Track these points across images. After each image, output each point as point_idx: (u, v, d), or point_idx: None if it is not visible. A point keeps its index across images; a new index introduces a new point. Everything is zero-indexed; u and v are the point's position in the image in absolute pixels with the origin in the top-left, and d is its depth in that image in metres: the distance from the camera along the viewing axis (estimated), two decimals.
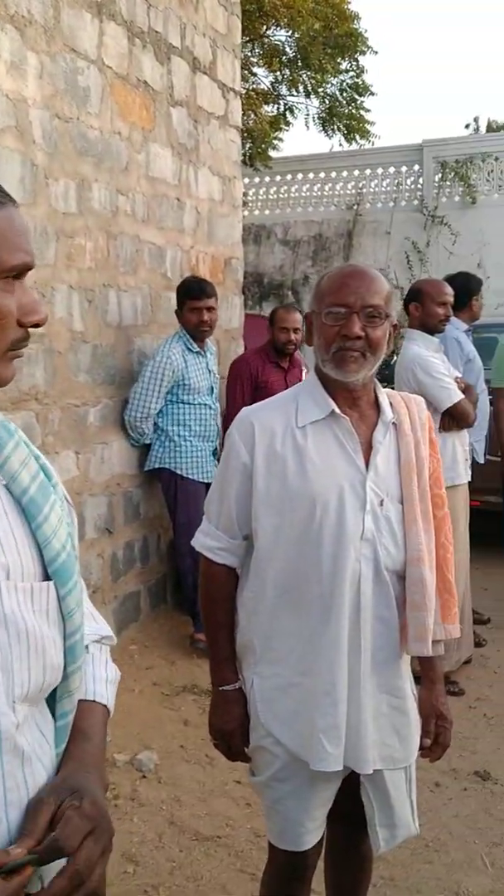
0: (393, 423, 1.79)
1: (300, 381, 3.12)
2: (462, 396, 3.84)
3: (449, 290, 3.92)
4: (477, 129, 25.70)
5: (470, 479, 4.11)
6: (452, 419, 3.87)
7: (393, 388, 2.20)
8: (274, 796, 1.82)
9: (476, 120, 26.48)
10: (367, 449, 1.75)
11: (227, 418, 4.36)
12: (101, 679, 1.22)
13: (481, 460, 4.67)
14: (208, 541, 1.86)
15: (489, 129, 25.34)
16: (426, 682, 1.90)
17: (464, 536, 4.07)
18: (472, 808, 3.06)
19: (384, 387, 1.89)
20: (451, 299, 3.91)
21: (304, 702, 1.73)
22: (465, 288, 4.58)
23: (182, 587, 4.58)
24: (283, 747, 1.77)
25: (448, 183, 12.20)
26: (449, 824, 2.95)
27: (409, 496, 1.76)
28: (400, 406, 1.83)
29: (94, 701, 1.19)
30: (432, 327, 3.89)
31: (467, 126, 26.32)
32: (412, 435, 1.80)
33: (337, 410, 1.73)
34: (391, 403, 1.82)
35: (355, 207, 12.81)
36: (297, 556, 1.72)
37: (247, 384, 4.72)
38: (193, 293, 4.27)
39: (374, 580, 1.72)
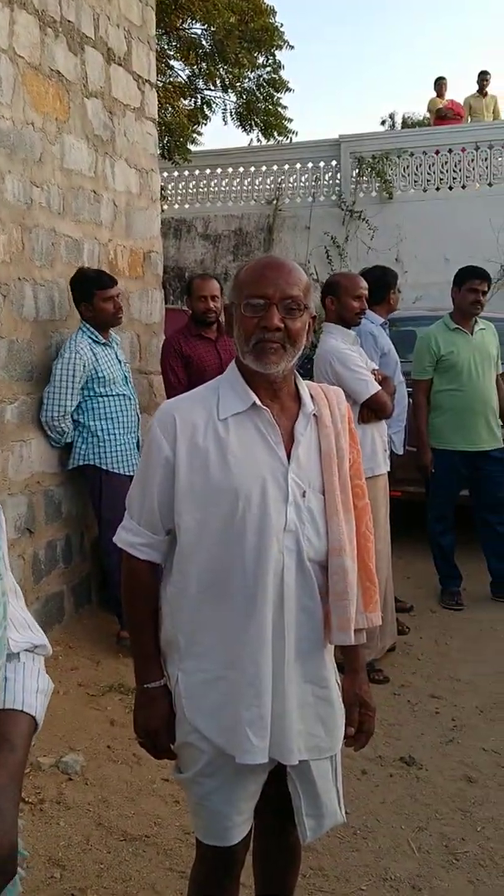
0: (314, 414, 1.80)
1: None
2: (379, 388, 3.91)
3: (364, 283, 3.98)
4: (393, 126, 26.16)
5: (389, 470, 4.19)
6: (371, 410, 3.94)
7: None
8: (200, 792, 1.81)
9: (392, 116, 26.95)
10: (289, 440, 1.75)
11: None
12: (30, 689, 1.20)
13: (400, 451, 4.74)
14: (130, 537, 1.84)
15: (404, 125, 25.81)
16: (349, 671, 1.91)
17: (384, 526, 4.13)
18: (398, 794, 3.10)
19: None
20: (366, 293, 3.97)
21: (230, 695, 1.73)
22: (382, 281, 4.64)
23: (108, 585, 4.53)
24: (209, 742, 1.76)
25: (365, 178, 12.35)
26: (376, 811, 2.99)
27: (331, 487, 1.77)
28: (320, 398, 1.84)
29: (21, 711, 1.16)
30: (349, 320, 3.94)
31: (383, 122, 26.75)
32: (332, 426, 1.81)
33: (258, 402, 1.73)
34: (312, 395, 1.83)
35: (275, 202, 12.86)
36: (220, 549, 1.71)
37: (176, 362, 4.71)
38: (104, 283, 4.23)
39: (298, 571, 1.72)
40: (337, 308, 3.92)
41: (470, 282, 4.90)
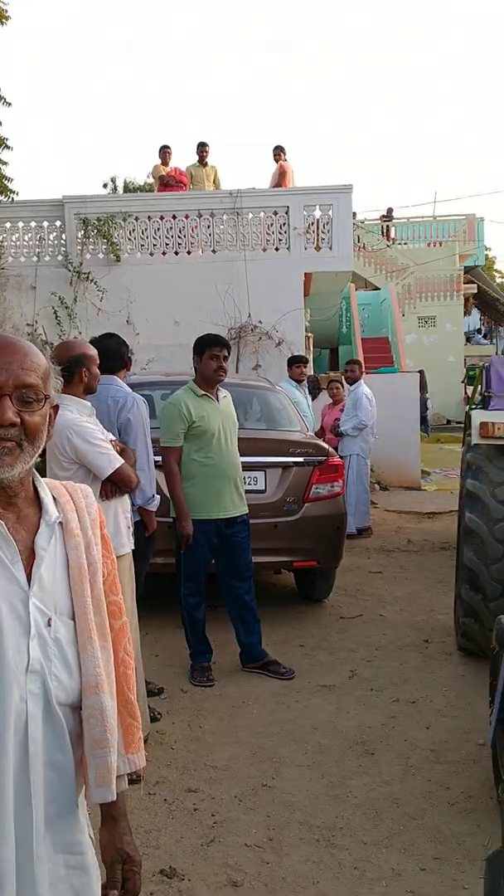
0: (59, 522, 1.51)
1: None
2: (122, 461, 3.70)
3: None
4: (115, 189, 26.48)
5: (134, 548, 3.97)
6: (114, 485, 3.71)
7: None
8: None
9: (113, 180, 27.29)
10: (29, 557, 1.44)
11: None
12: None
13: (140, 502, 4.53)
14: None
15: (126, 189, 26.24)
16: (107, 822, 1.60)
17: (132, 608, 3.88)
18: None
19: None
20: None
21: None
22: (119, 351, 4.51)
23: None
24: None
25: (91, 240, 12.20)
26: None
27: (82, 610, 1.47)
28: (65, 500, 1.55)
29: None
30: (93, 389, 3.76)
31: (105, 185, 27.00)
32: (82, 535, 1.52)
33: None
34: (55, 498, 1.54)
35: None
36: None
37: None
38: None
39: (45, 720, 1.40)
40: (88, 378, 3.73)
41: (210, 349, 4.87)
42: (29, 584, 1.42)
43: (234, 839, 3.28)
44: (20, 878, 1.37)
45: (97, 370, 3.78)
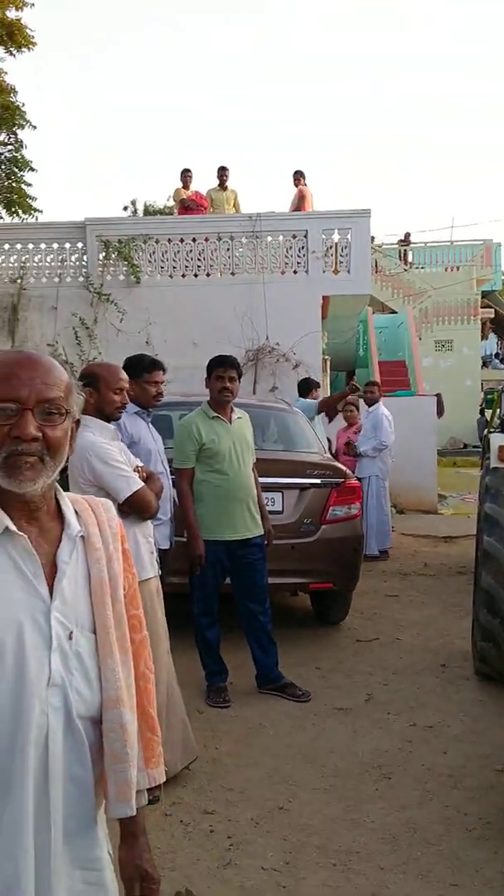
0: (81, 536, 1.52)
1: None
2: (142, 485, 3.64)
3: (124, 375, 3.78)
4: (135, 212, 26.78)
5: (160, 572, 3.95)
6: (133, 509, 3.66)
7: None
8: None
9: (133, 203, 27.62)
10: (51, 571, 1.45)
11: None
12: None
13: (166, 546, 4.54)
14: None
15: (146, 212, 26.53)
16: (126, 839, 1.60)
17: (164, 630, 3.88)
18: None
19: None
20: (127, 384, 3.77)
21: None
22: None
23: None
24: None
25: (112, 262, 12.33)
26: None
27: (103, 624, 1.48)
28: (87, 514, 1.56)
29: None
30: (109, 414, 3.68)
31: (125, 208, 27.32)
32: (103, 549, 1.54)
33: (12, 527, 1.42)
34: (77, 511, 1.55)
35: (19, 281, 12.44)
36: None
37: None
38: None
39: (66, 734, 1.41)
40: (96, 401, 3.64)
41: (216, 370, 4.92)
42: (51, 598, 1.42)
43: (251, 862, 3.25)
44: (39, 893, 1.37)
45: (113, 397, 3.65)
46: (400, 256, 27.04)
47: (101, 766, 1.48)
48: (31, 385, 1.42)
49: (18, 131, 10.51)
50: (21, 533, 1.42)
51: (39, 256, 12.69)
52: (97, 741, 1.47)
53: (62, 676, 1.40)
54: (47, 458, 1.43)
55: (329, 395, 10.54)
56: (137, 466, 3.74)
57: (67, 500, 1.56)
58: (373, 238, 18.30)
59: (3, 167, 10.79)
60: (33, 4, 10.75)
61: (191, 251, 12.42)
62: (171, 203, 18.37)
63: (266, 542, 5.08)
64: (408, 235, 27.96)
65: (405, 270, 26.12)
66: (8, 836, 1.35)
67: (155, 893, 1.60)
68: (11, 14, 10.10)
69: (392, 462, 9.69)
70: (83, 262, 12.57)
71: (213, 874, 3.17)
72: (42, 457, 1.42)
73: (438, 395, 14.42)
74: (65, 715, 1.41)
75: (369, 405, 9.68)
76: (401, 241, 27.84)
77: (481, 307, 26.51)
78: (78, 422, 1.54)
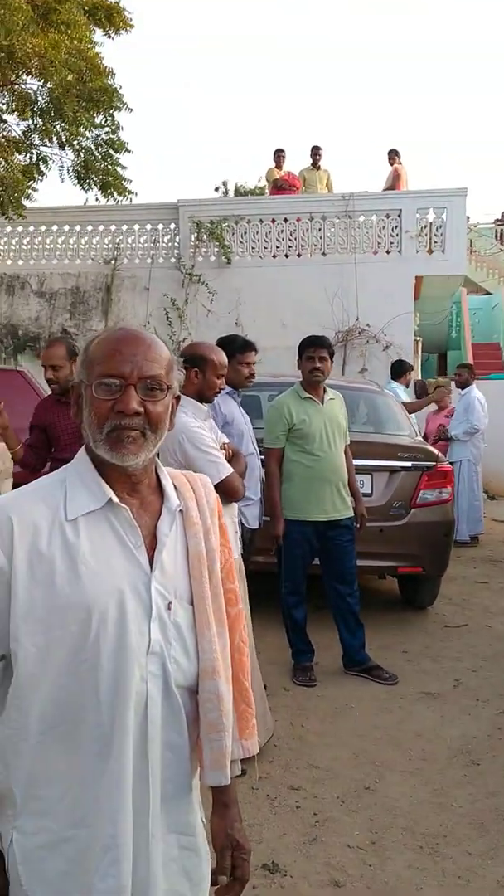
0: (180, 510, 1.55)
1: None
2: (231, 471, 3.60)
3: (226, 359, 3.81)
4: (226, 193, 26.82)
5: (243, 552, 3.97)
6: (220, 494, 3.67)
7: None
8: None
9: (224, 184, 27.62)
10: (151, 543, 1.48)
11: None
12: None
13: (255, 526, 4.57)
14: None
15: (237, 192, 26.53)
16: (219, 808, 1.62)
17: (246, 611, 3.91)
18: None
19: None
20: (227, 368, 3.80)
21: (79, 861, 1.39)
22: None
23: None
24: None
25: (204, 243, 12.41)
26: None
27: (201, 596, 1.51)
28: (185, 489, 1.59)
29: None
30: (208, 398, 3.71)
31: (216, 189, 27.36)
32: (201, 523, 1.56)
33: (115, 499, 1.45)
34: (176, 486, 1.58)
35: (113, 262, 12.66)
36: (68, 680, 1.39)
37: (36, 433, 4.40)
38: None
39: (164, 701, 1.44)
40: (199, 382, 3.65)
41: (306, 351, 4.90)
42: (151, 569, 1.46)
43: (337, 839, 3.27)
44: (136, 854, 1.41)
45: (214, 380, 3.66)
46: (496, 236, 26.27)
47: (197, 734, 1.51)
48: (134, 361, 1.45)
49: (115, 113, 10.57)
50: (124, 505, 1.46)
51: (133, 238, 12.88)
52: (193, 711, 1.50)
53: (161, 645, 1.44)
54: (149, 433, 1.46)
55: (418, 379, 10.37)
56: (224, 444, 3.74)
57: (167, 474, 1.59)
58: (468, 217, 17.84)
59: (99, 149, 10.90)
60: None
61: (282, 231, 12.39)
62: (263, 184, 18.29)
63: (358, 526, 5.06)
64: None
65: (501, 251, 25.38)
66: (108, 798, 1.39)
67: (246, 863, 1.62)
68: None
69: (484, 446, 9.49)
70: (175, 244, 12.70)
71: (298, 849, 3.20)
72: (144, 431, 1.45)
73: None
74: (163, 683, 1.44)
75: (461, 388, 9.49)
76: (497, 220, 27.01)
77: None
78: (178, 398, 1.57)
